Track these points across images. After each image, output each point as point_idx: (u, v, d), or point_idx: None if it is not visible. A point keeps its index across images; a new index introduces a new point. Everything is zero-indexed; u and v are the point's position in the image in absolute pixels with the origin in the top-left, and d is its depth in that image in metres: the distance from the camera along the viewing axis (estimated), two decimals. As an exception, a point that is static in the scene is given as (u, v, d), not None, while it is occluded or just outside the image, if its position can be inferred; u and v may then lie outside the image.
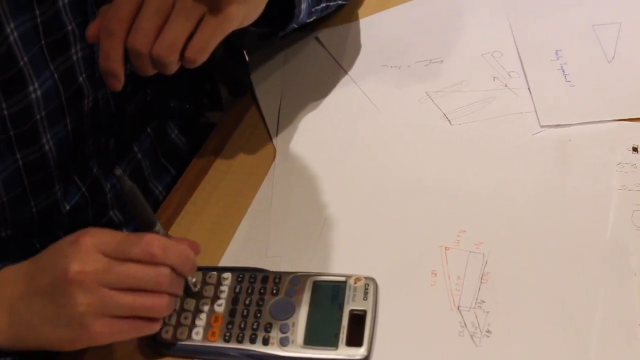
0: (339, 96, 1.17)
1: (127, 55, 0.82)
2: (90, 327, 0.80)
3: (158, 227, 0.85)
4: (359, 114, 1.14)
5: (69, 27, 0.94)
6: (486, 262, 0.94)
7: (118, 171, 0.82)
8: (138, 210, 0.84)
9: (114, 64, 0.81)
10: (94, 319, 0.80)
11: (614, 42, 1.17)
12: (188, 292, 0.90)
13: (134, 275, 0.82)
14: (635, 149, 1.03)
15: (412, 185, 1.04)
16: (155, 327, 0.85)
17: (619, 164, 1.02)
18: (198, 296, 0.92)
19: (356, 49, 1.23)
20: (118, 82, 0.82)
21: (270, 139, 1.13)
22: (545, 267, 0.92)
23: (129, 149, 1.15)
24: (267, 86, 1.20)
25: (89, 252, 0.81)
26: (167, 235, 0.86)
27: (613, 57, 1.15)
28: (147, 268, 0.82)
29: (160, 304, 0.83)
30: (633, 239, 0.93)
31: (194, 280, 0.90)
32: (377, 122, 1.13)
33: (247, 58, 1.24)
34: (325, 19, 1.25)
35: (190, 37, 0.82)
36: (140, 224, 0.85)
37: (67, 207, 1.05)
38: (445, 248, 0.95)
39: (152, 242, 0.82)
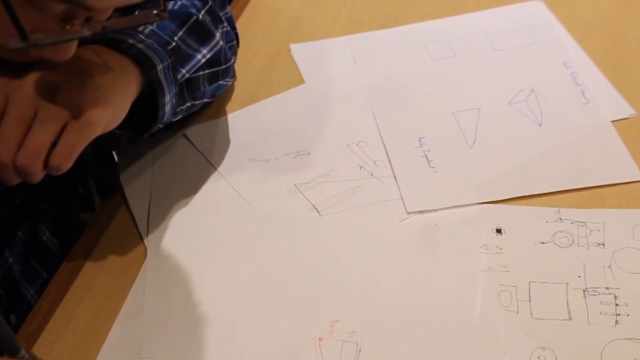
0: (209, 192, 1.17)
1: None
2: None
3: (22, 352, 0.81)
4: (228, 208, 1.14)
5: None
6: (360, 350, 0.94)
7: None
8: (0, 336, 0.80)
9: None
10: None
11: (474, 127, 1.20)
12: None
13: None
14: (499, 231, 1.05)
15: (283, 278, 1.04)
16: None
17: (484, 245, 1.04)
18: None
19: (224, 144, 1.24)
20: None
21: (141, 238, 1.12)
22: (418, 351, 0.94)
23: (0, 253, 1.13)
24: (136, 186, 1.20)
25: None
26: (32, 359, 0.83)
27: (474, 142, 1.18)
28: None
29: None
30: (500, 319, 0.96)
31: None
32: (247, 216, 1.13)
33: (116, 158, 1.24)
34: (193, 115, 1.26)
35: (54, 145, 0.82)
36: (4, 349, 0.81)
37: None
38: (319, 339, 0.96)
39: None
